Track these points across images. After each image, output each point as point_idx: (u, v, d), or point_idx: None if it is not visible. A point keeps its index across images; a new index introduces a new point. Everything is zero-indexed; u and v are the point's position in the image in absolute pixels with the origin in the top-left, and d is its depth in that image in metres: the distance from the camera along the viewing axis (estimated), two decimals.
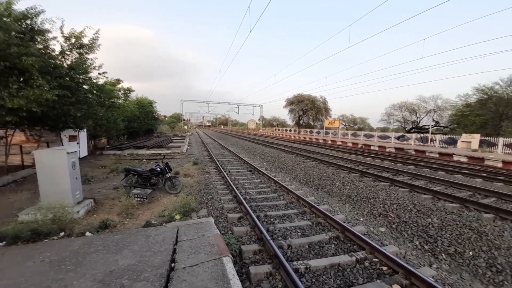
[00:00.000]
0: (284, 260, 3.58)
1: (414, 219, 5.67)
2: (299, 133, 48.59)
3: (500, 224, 5.19)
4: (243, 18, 15.71)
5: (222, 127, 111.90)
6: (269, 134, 54.11)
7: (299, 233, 4.95)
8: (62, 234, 4.54)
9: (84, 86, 9.84)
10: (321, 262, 3.83)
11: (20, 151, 10.15)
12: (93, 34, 9.11)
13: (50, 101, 7.04)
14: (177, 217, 5.38)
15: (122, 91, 19.16)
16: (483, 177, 9.76)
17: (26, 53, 6.48)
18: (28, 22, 7.46)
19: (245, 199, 6.80)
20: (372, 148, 23.85)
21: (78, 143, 13.28)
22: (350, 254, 4.10)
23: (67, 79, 8.25)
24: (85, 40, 8.94)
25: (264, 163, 13.85)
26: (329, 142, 31.50)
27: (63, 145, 11.11)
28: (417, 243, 4.84)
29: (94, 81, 10.42)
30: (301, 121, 58.10)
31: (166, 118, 75.82)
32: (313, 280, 3.49)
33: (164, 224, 4.88)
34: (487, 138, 18.86)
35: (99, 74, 10.23)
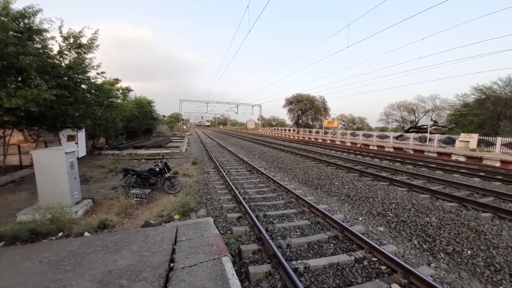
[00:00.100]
0: (283, 259, 3.58)
1: (413, 219, 5.68)
2: (298, 132, 48.62)
3: (498, 223, 5.21)
4: (242, 18, 15.69)
5: (221, 126, 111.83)
6: (268, 134, 54.13)
7: (298, 233, 4.95)
8: (60, 234, 4.52)
9: (83, 86, 9.80)
10: (320, 261, 3.84)
11: (18, 151, 10.11)
12: (92, 34, 9.09)
13: (48, 100, 7.01)
14: (176, 217, 5.37)
15: (120, 91, 19.11)
16: (481, 177, 9.80)
17: (23, 53, 6.45)
18: (26, 21, 7.43)
19: (244, 198, 6.80)
20: (371, 147, 23.90)
21: (76, 143, 13.24)
22: (349, 253, 4.11)
23: (65, 78, 8.22)
24: (84, 40, 8.92)
25: (263, 163, 13.86)
26: (328, 141, 31.55)
27: (61, 145, 11.08)
28: (415, 242, 4.86)
29: (93, 80, 10.39)
30: (300, 121, 58.18)
31: (165, 118, 75.69)
32: (312, 279, 3.50)
33: (163, 224, 4.87)
34: (485, 138, 18.94)
35: (98, 74, 10.21)
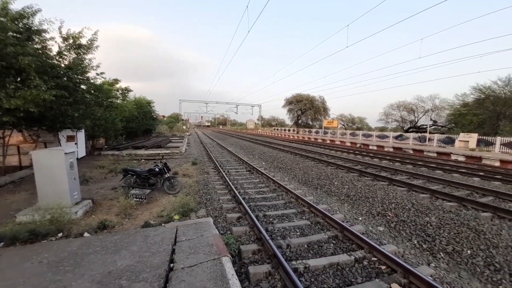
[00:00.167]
0: (283, 259, 3.58)
1: (413, 218, 5.69)
2: (297, 132, 48.64)
3: (498, 223, 5.22)
4: (241, 18, 15.70)
5: (220, 127, 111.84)
6: (267, 134, 54.13)
7: (298, 233, 4.95)
8: (60, 235, 4.52)
9: (82, 86, 9.80)
10: (320, 261, 3.84)
11: (17, 151, 10.10)
12: (92, 35, 9.09)
13: (47, 101, 7.00)
14: (176, 217, 5.37)
15: (120, 91, 19.11)
16: (481, 176, 9.81)
17: (22, 53, 6.44)
18: (25, 21, 7.42)
19: (244, 199, 6.80)
20: (370, 147, 23.91)
21: (76, 144, 13.22)
22: (349, 253, 4.11)
23: (65, 79, 8.22)
24: (83, 41, 8.91)
25: (263, 163, 13.86)
26: (328, 141, 31.57)
27: (61, 146, 11.07)
28: (415, 242, 4.86)
29: (92, 81, 10.38)
30: (299, 121, 58.21)
31: (165, 118, 75.67)
32: (312, 279, 3.50)
33: (163, 224, 4.86)
34: (484, 137, 18.96)
35: (97, 74, 10.21)
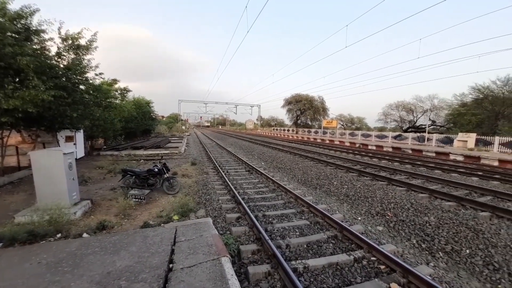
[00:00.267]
0: (282, 259, 3.58)
1: (411, 218, 5.70)
2: (297, 133, 48.68)
3: (496, 222, 5.24)
4: (240, 18, 15.70)
5: (220, 127, 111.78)
6: (267, 134, 54.15)
7: (298, 233, 4.96)
8: (59, 235, 4.50)
9: (81, 87, 9.78)
10: (319, 261, 3.84)
11: (16, 152, 10.06)
12: (91, 35, 9.09)
13: (46, 101, 6.98)
14: (175, 217, 5.36)
15: (119, 91, 19.08)
16: (479, 176, 9.84)
17: (21, 53, 6.42)
18: (23, 21, 7.40)
19: (243, 199, 6.79)
20: (369, 147, 23.95)
21: (74, 144, 13.19)
22: (348, 253, 4.11)
23: (64, 79, 8.20)
24: (82, 41, 8.90)
25: (262, 163, 13.86)
26: (327, 141, 31.59)
27: (59, 146, 11.04)
28: (414, 242, 4.87)
29: (91, 81, 10.36)
30: (299, 121, 58.29)
31: (164, 119, 75.59)
32: (312, 279, 3.50)
33: (162, 224, 4.86)
34: (483, 137, 19.02)
35: (96, 75, 10.20)
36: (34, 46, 7.60)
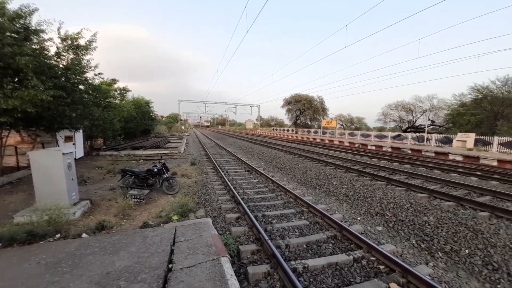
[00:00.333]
0: (282, 260, 3.59)
1: (411, 218, 5.71)
2: (296, 133, 48.69)
3: (495, 222, 5.25)
4: (240, 18, 15.69)
5: (219, 127, 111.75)
6: (266, 134, 54.14)
7: (297, 233, 4.96)
8: (58, 235, 4.49)
9: (80, 87, 9.76)
10: (319, 261, 3.84)
11: (15, 152, 10.04)
12: (91, 36, 9.08)
13: (45, 101, 6.96)
14: (175, 217, 5.36)
15: (118, 91, 19.06)
16: (479, 176, 9.86)
17: (20, 53, 6.41)
18: (22, 21, 7.38)
19: (243, 199, 6.79)
20: (369, 147, 23.97)
21: (74, 144, 13.17)
22: (347, 253, 4.11)
23: (63, 79, 8.19)
24: (82, 42, 8.89)
25: (262, 163, 13.86)
26: (327, 141, 31.61)
27: (58, 146, 11.02)
28: (413, 242, 4.88)
29: (90, 81, 10.35)
30: (298, 121, 58.32)
31: (163, 119, 75.50)
32: (311, 279, 3.50)
33: (161, 225, 4.86)
34: (482, 137, 19.06)
35: (95, 75, 10.19)
36: (33, 46, 7.58)
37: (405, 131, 39.21)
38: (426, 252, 4.56)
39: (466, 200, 6.36)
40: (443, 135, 22.67)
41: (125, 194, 6.79)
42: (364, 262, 3.93)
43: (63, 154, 5.50)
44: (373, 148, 23.58)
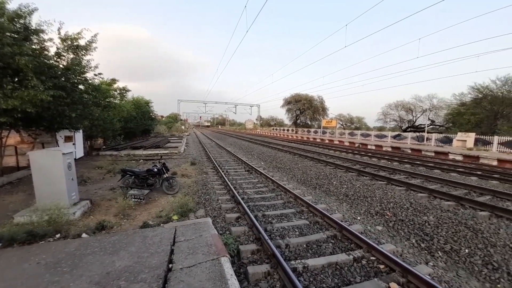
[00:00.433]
0: (282, 259, 3.59)
1: (411, 218, 5.71)
2: (296, 132, 48.68)
3: (495, 222, 5.25)
4: (239, 18, 15.69)
5: (219, 127, 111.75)
6: (266, 134, 54.12)
7: (297, 233, 4.96)
8: (58, 235, 4.49)
9: (80, 87, 9.76)
10: (319, 261, 3.85)
11: (15, 152, 10.04)
12: (91, 37, 9.08)
13: (45, 101, 6.96)
14: (175, 217, 5.36)
15: (118, 91, 19.05)
16: (479, 175, 9.86)
17: (19, 53, 6.40)
18: (22, 21, 7.37)
19: (243, 199, 6.79)
20: (369, 147, 23.97)
21: (74, 144, 13.17)
22: (347, 252, 4.12)
23: (63, 79, 8.18)
24: (82, 42, 8.89)
25: (262, 163, 13.86)
26: (327, 141, 31.61)
27: (58, 146, 11.02)
28: (413, 241, 4.88)
29: (90, 81, 10.35)
30: (298, 121, 58.30)
31: (163, 118, 75.49)
32: (311, 279, 3.50)
33: (161, 224, 4.86)
34: (482, 137, 19.06)
35: (95, 75, 10.19)
36: (33, 46, 7.58)
37: (405, 130, 39.20)
38: (426, 251, 4.56)
39: (466, 200, 6.36)
40: (443, 135, 22.67)
41: (125, 194, 6.80)
42: (364, 262, 3.93)
43: (63, 154, 5.50)
44: (373, 147, 23.58)
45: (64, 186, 5.46)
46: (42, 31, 7.83)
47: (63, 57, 8.69)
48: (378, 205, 6.60)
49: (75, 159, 6.53)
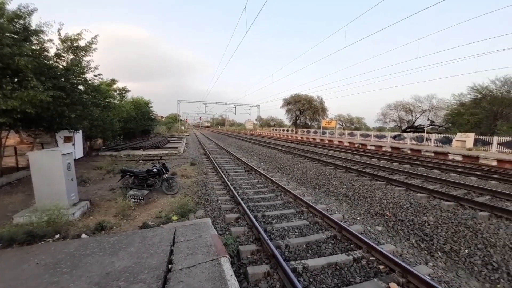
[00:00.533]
0: (281, 260, 3.58)
1: (410, 218, 5.71)
2: (296, 133, 48.69)
3: (495, 222, 5.25)
4: (239, 18, 15.71)
5: (219, 127, 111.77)
6: (266, 134, 54.13)
7: (297, 233, 4.96)
8: (57, 236, 4.49)
9: (80, 87, 9.76)
10: (318, 261, 3.84)
11: (14, 152, 10.03)
12: (91, 38, 9.09)
13: (44, 102, 6.96)
14: (174, 218, 5.35)
15: (117, 91, 19.06)
16: (478, 176, 9.87)
17: (19, 53, 6.40)
18: (21, 22, 7.37)
19: (242, 199, 6.79)
20: (368, 147, 23.99)
21: (73, 144, 13.16)
22: (347, 253, 4.11)
23: (62, 80, 8.19)
24: (82, 43, 8.90)
25: (262, 163, 13.85)
26: (326, 142, 31.61)
27: (58, 147, 11.01)
28: (413, 242, 4.88)
29: (90, 82, 10.35)
30: (298, 121, 58.29)
31: (163, 119, 75.46)
32: (311, 279, 3.50)
33: (161, 225, 4.85)
34: (481, 137, 19.07)
35: (94, 76, 10.20)
36: (33, 47, 7.58)
37: (404, 131, 39.23)
38: (425, 252, 4.56)
39: (465, 200, 6.37)
40: (442, 135, 22.69)
41: (124, 194, 6.79)
42: (363, 262, 3.93)
43: (63, 154, 5.50)
44: (373, 148, 23.60)
45: (64, 186, 5.45)
46: (42, 32, 7.84)
47: (63, 58, 8.70)
48: (378, 205, 6.61)
49: (74, 159, 6.53)
